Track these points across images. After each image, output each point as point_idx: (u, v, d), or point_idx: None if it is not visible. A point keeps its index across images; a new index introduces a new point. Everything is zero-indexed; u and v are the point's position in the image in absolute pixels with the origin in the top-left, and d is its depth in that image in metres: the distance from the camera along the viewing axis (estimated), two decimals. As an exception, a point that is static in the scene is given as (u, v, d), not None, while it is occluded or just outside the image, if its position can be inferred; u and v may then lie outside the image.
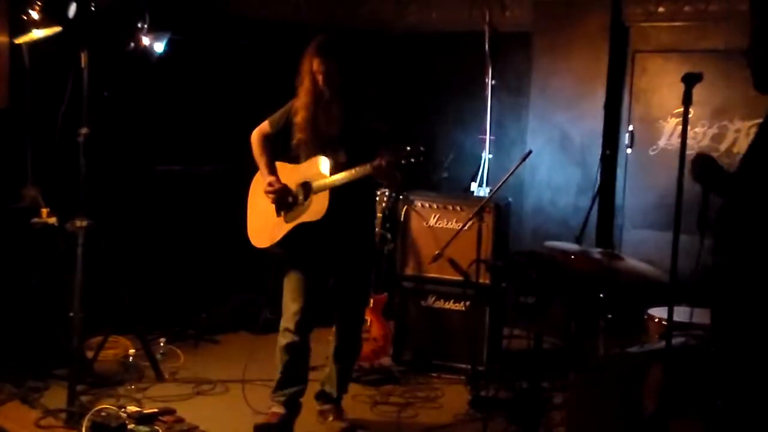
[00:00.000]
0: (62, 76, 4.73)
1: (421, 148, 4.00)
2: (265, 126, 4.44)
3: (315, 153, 4.25)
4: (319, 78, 4.20)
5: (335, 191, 4.15)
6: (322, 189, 4.19)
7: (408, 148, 3.99)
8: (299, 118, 4.26)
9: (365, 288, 4.67)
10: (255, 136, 4.45)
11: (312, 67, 4.22)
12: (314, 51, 4.22)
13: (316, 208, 4.19)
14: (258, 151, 4.43)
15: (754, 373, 2.68)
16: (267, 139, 4.43)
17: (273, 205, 4.37)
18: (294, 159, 4.39)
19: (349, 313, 4.51)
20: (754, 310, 2.67)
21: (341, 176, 4.12)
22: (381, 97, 4.51)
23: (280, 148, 4.43)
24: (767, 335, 2.65)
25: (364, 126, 4.26)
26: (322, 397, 4.60)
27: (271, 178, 4.34)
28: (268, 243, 4.35)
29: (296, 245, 4.30)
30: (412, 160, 4.00)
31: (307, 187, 4.27)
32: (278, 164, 4.43)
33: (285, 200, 4.31)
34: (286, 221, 4.31)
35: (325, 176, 4.19)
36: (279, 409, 4.36)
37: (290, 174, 4.36)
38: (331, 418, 4.53)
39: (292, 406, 4.39)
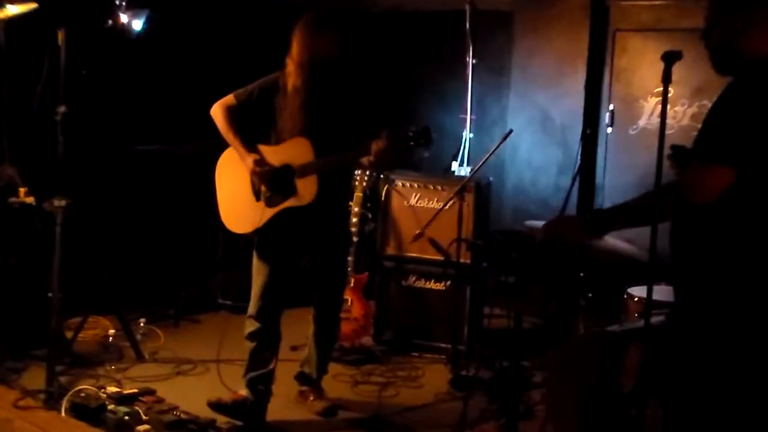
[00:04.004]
0: (39, 53, 4.67)
1: (422, 131, 3.95)
2: (229, 99, 4.23)
3: (295, 131, 4.12)
4: (312, 55, 4.10)
5: (323, 175, 4.05)
6: (307, 172, 4.06)
7: (410, 132, 3.93)
8: (287, 93, 4.13)
9: (342, 271, 4.65)
10: (217, 109, 4.22)
11: (301, 43, 4.12)
12: (305, 28, 4.13)
13: (304, 192, 4.06)
14: (225, 126, 4.20)
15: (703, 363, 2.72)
16: (232, 113, 4.20)
17: (248, 188, 4.22)
18: (268, 140, 4.24)
19: (326, 297, 4.49)
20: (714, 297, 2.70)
21: (331, 160, 4.03)
22: (370, 80, 4.45)
23: (251, 129, 4.25)
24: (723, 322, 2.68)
25: (353, 110, 4.21)
26: (301, 378, 4.60)
27: (255, 157, 4.12)
28: (251, 228, 4.19)
29: (270, 231, 4.19)
30: (412, 143, 3.94)
31: (289, 170, 4.11)
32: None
33: (277, 182, 4.13)
34: (269, 205, 4.16)
35: (308, 159, 4.06)
36: (241, 391, 4.32)
37: (270, 156, 4.17)
38: (311, 398, 4.54)
39: (256, 391, 4.30)
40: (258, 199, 4.22)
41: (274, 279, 4.25)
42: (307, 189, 4.06)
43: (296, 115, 4.13)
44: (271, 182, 4.15)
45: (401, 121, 6.59)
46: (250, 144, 4.20)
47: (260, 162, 4.13)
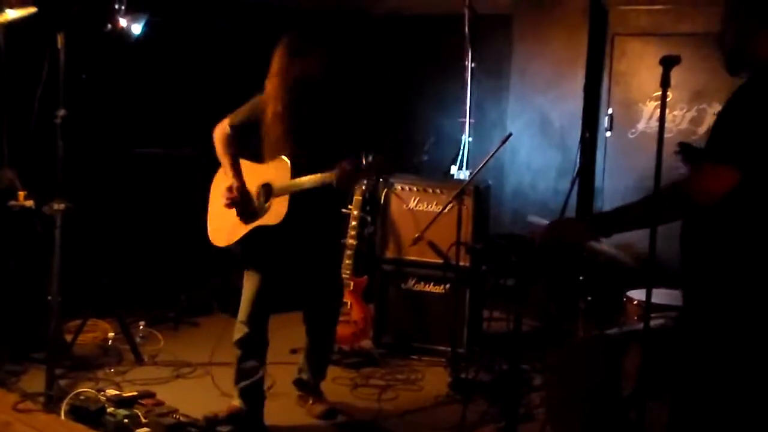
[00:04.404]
0: (38, 57, 4.68)
1: (382, 163, 4.04)
2: (224, 124, 4.33)
3: (279, 153, 4.15)
4: (291, 78, 4.12)
5: (295, 196, 4.08)
6: (282, 193, 4.12)
7: (369, 161, 4.00)
8: (268, 117, 4.17)
9: (332, 288, 4.56)
10: (216, 134, 4.34)
11: (282, 67, 4.13)
12: (285, 51, 4.14)
13: (275, 212, 4.13)
14: (220, 150, 4.33)
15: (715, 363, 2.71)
16: (228, 138, 4.31)
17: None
18: (258, 157, 4.29)
19: (317, 314, 4.47)
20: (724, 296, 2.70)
21: (301, 181, 4.06)
22: (353, 89, 4.46)
23: (245, 145, 4.34)
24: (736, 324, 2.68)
25: (332, 124, 4.22)
26: (299, 384, 4.61)
27: (232, 183, 4.24)
28: (226, 242, 4.31)
29: (254, 246, 4.24)
30: (373, 174, 4.10)
31: (268, 190, 4.20)
32: (241, 162, 4.32)
33: (245, 207, 4.24)
34: (245, 222, 4.25)
35: (286, 179, 4.11)
36: (235, 402, 4.31)
37: (253, 173, 4.27)
38: (311, 402, 4.54)
39: (250, 398, 4.31)
40: (238, 214, 4.30)
41: (261, 286, 4.24)
42: (277, 210, 4.12)
43: (279, 139, 4.17)
44: (238, 208, 4.26)
45: (401, 124, 6.65)
46: (236, 167, 4.30)
47: (230, 188, 4.22)
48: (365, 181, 5.39)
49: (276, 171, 4.16)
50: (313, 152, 4.13)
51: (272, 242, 4.20)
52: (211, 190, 4.45)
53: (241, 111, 4.30)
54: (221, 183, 4.36)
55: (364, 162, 4.02)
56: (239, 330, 4.28)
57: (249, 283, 4.28)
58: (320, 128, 4.19)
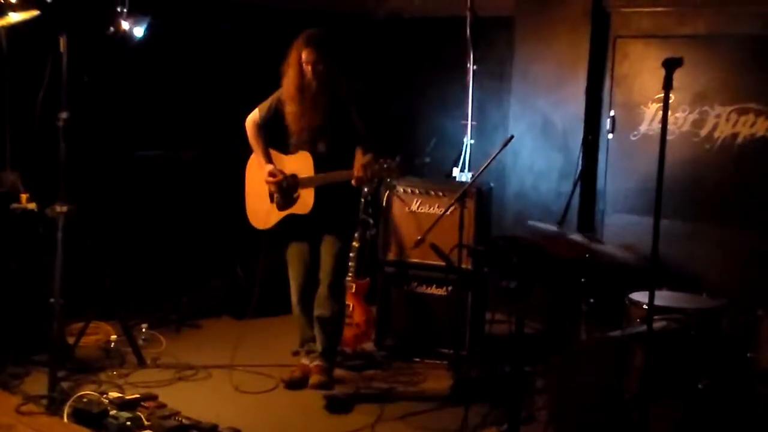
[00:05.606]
0: (41, 60, 4.69)
1: (397, 160, 4.40)
2: (255, 114, 4.73)
3: (301, 144, 4.58)
4: (308, 69, 4.43)
5: (320, 189, 4.53)
6: (308, 185, 4.56)
7: (385, 165, 4.39)
8: (287, 109, 4.54)
9: (342, 246, 4.83)
10: (248, 123, 4.75)
11: (300, 58, 4.44)
12: (304, 42, 4.44)
13: (304, 202, 4.59)
14: (253, 139, 4.75)
15: None
16: (259, 127, 4.72)
17: (266, 190, 4.67)
18: (283, 147, 4.66)
19: (326, 271, 4.73)
20: None
21: (322, 177, 4.52)
22: (368, 91, 4.65)
23: (270, 136, 4.71)
24: None
25: (347, 120, 4.53)
26: (310, 352, 4.89)
27: (270, 167, 4.64)
28: (262, 226, 4.80)
29: (281, 229, 4.74)
30: (387, 176, 4.48)
31: (294, 180, 4.60)
32: (270, 152, 4.75)
33: (284, 189, 4.64)
34: (279, 209, 4.70)
35: (309, 173, 4.54)
36: (306, 361, 4.87)
37: (280, 164, 4.69)
38: (314, 373, 4.80)
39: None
40: (271, 201, 4.74)
41: (306, 263, 4.79)
42: (306, 200, 4.59)
43: (299, 136, 4.61)
44: (279, 191, 4.67)
45: (402, 126, 6.66)
46: (268, 154, 4.73)
47: (272, 173, 4.64)
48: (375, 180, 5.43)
49: (300, 164, 4.59)
50: (331, 148, 4.59)
51: (302, 225, 4.69)
52: (246, 176, 4.90)
53: (265, 104, 4.69)
54: (254, 168, 4.82)
55: (379, 163, 4.40)
56: (295, 308, 4.89)
57: (291, 265, 4.83)
58: (335, 126, 4.53)
